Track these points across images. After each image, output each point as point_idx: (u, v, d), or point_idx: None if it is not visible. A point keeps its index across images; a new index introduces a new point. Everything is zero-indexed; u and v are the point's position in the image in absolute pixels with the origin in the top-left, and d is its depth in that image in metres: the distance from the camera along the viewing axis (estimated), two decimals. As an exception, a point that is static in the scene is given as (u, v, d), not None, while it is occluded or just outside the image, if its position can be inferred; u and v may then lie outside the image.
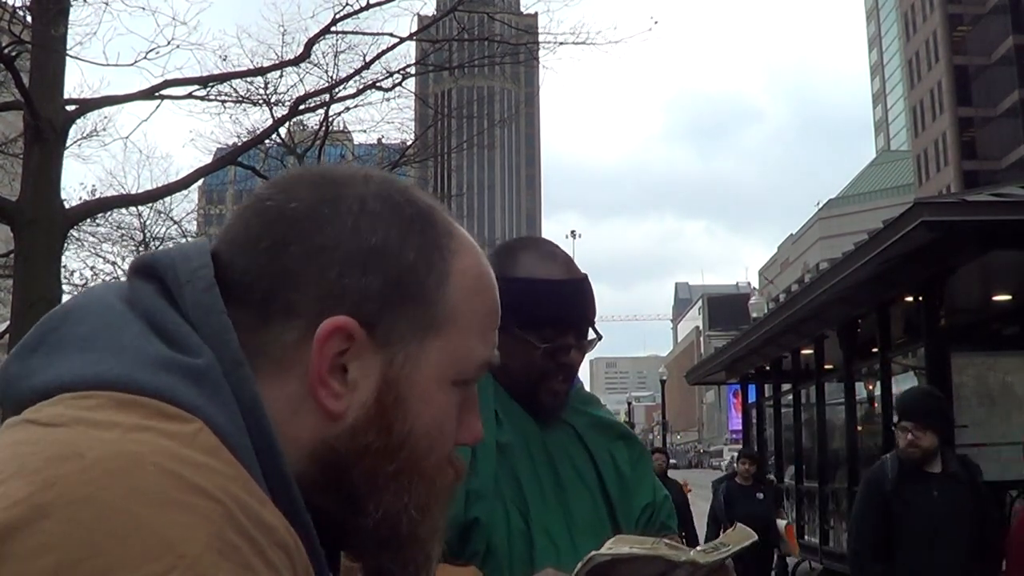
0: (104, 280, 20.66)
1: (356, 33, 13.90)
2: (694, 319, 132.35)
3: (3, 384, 0.68)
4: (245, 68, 13.32)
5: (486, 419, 1.63)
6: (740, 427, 25.68)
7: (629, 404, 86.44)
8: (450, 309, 0.73)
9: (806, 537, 12.91)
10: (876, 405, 11.28)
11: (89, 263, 20.76)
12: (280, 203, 0.72)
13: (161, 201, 18.31)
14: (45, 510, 0.55)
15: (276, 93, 14.22)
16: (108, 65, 17.38)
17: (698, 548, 1.38)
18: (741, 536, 1.44)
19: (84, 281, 20.10)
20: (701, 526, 9.86)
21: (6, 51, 10.18)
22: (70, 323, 0.68)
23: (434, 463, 0.74)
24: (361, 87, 14.21)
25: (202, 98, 12.92)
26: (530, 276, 1.74)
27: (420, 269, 0.72)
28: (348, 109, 16.26)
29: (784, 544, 9.26)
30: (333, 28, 13.18)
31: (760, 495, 9.22)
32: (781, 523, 9.31)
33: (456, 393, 0.75)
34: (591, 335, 1.82)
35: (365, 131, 21.50)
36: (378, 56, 13.59)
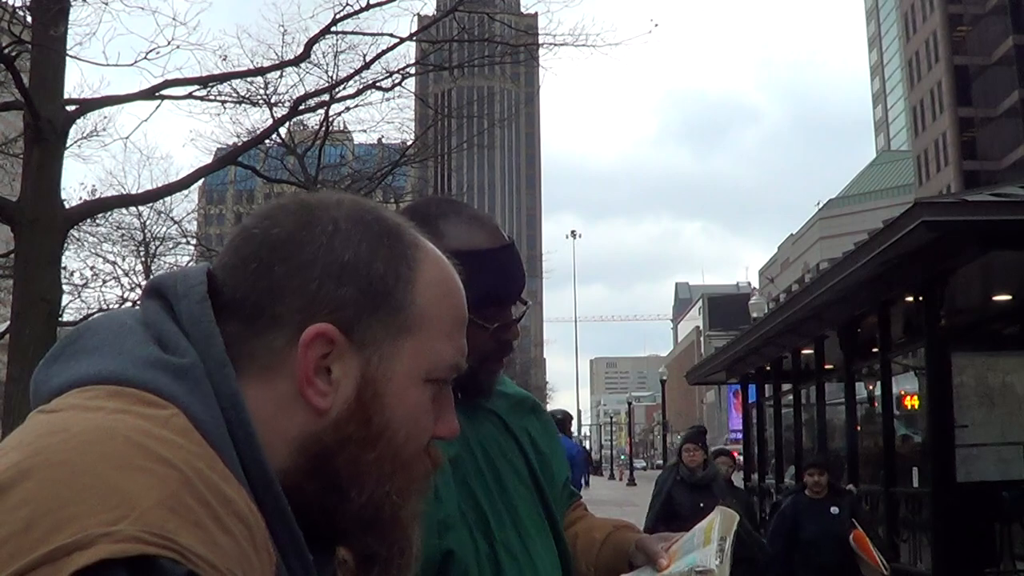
0: (104, 280, 20.68)
1: (356, 33, 13.91)
2: (694, 319, 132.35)
3: (33, 390, 0.80)
4: (245, 68, 13.33)
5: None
6: (740, 427, 25.68)
7: (629, 404, 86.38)
8: (418, 314, 0.83)
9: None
10: (876, 405, 11.28)
11: (89, 263, 20.77)
12: (264, 230, 0.83)
13: (161, 201, 18.35)
14: (28, 473, 0.65)
15: (276, 93, 14.24)
16: (108, 65, 17.42)
17: (714, 549, 1.43)
18: (730, 521, 1.48)
19: (84, 281, 20.11)
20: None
21: (6, 51, 10.17)
22: (84, 338, 0.80)
23: (411, 452, 0.83)
24: (361, 87, 14.22)
25: (202, 98, 12.91)
26: (464, 248, 1.46)
27: (389, 279, 0.82)
28: (348, 109, 16.27)
29: (865, 566, 6.95)
30: (333, 28, 13.17)
31: (835, 509, 7.34)
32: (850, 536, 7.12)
33: (429, 390, 0.84)
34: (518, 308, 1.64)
35: (365, 131, 21.50)
36: (378, 56, 13.60)
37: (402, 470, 0.82)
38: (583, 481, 11.40)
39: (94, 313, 20.48)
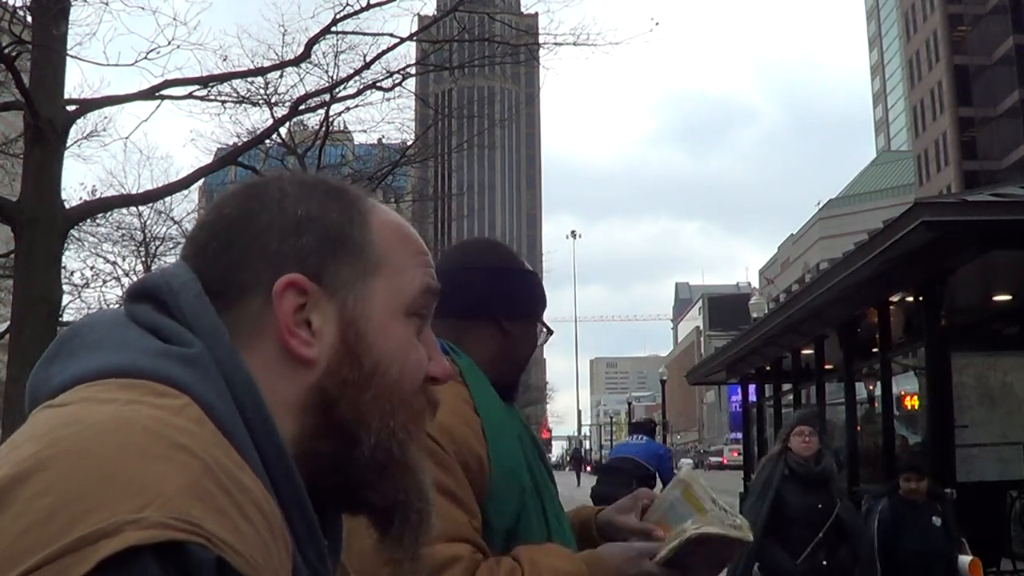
0: (104, 280, 20.68)
1: (356, 33, 13.91)
2: (694, 319, 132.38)
3: (30, 392, 0.79)
4: (245, 68, 13.33)
5: (509, 415, 1.71)
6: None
7: (629, 404, 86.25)
8: (380, 252, 0.86)
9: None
10: (876, 405, 11.28)
11: (89, 263, 20.73)
12: (217, 214, 0.86)
13: (161, 201, 18.36)
14: (46, 463, 0.65)
15: (276, 93, 14.24)
16: (108, 65, 17.42)
17: (734, 523, 1.50)
18: (699, 481, 1.58)
19: (84, 281, 20.10)
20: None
21: (6, 51, 10.17)
22: (82, 335, 0.80)
23: (408, 388, 0.85)
24: (361, 87, 14.23)
25: (202, 98, 12.92)
26: (528, 269, 1.82)
27: (344, 223, 0.85)
28: (348, 109, 16.28)
29: None
30: (333, 28, 13.18)
31: (937, 520, 6.08)
32: (964, 559, 6.03)
33: (411, 324, 0.87)
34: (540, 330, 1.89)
35: (365, 131, 21.49)
36: (378, 56, 13.61)
37: (402, 406, 0.84)
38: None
39: (94, 313, 20.42)
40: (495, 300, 1.74)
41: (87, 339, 0.79)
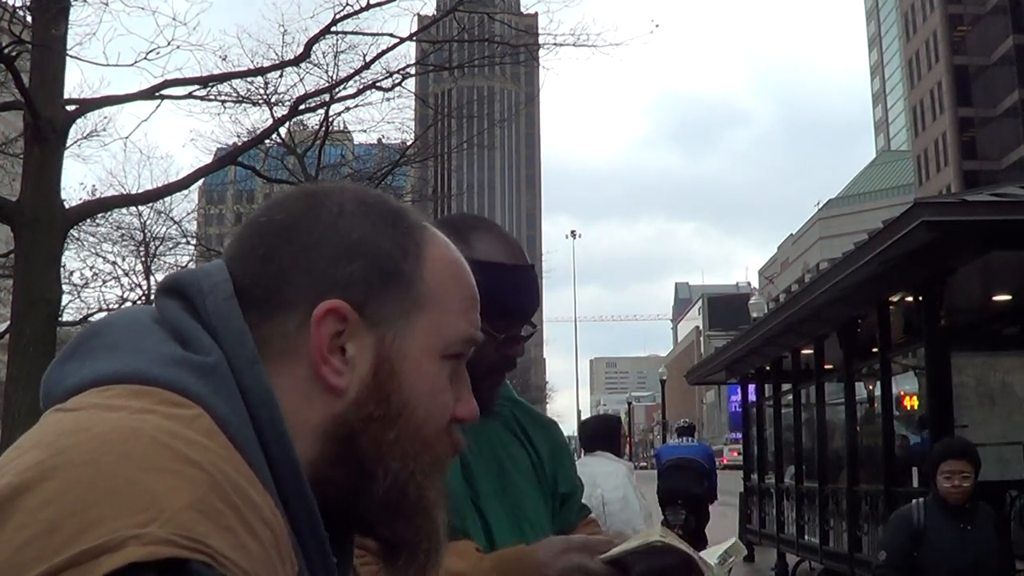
0: (104, 280, 20.68)
1: (356, 33, 13.92)
2: (694, 319, 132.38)
3: (45, 389, 0.78)
4: (245, 68, 13.34)
5: None
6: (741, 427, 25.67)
7: (629, 404, 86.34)
8: (429, 290, 0.83)
9: (806, 537, 12.91)
10: (876, 405, 11.28)
11: (89, 263, 20.76)
12: (270, 217, 0.83)
13: (161, 201, 18.33)
14: (50, 472, 0.64)
15: (276, 93, 14.25)
16: (108, 65, 17.41)
17: (715, 562, 1.38)
18: (738, 548, 1.44)
19: (84, 281, 20.11)
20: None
21: (6, 51, 10.18)
22: (101, 335, 0.78)
23: (432, 431, 0.82)
24: (361, 87, 14.24)
25: (202, 98, 12.93)
26: (488, 260, 1.58)
27: (396, 255, 0.82)
28: (348, 109, 16.29)
29: None
30: (333, 28, 13.18)
31: (967, 527, 4.87)
32: None
33: (446, 367, 0.84)
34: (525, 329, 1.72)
35: (365, 131, 21.50)
36: (378, 56, 13.62)
37: (424, 450, 0.81)
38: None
39: (94, 313, 20.50)
40: None
41: (106, 340, 0.77)
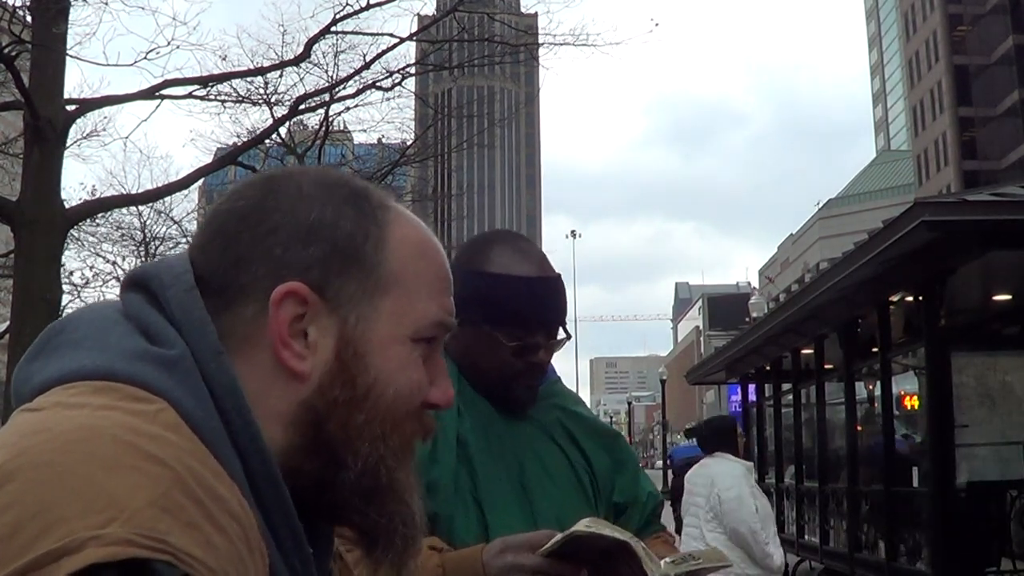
0: (104, 280, 20.69)
1: (356, 33, 13.91)
2: (694, 319, 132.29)
3: (13, 389, 0.77)
4: (245, 68, 13.33)
5: (448, 411, 1.60)
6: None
7: (629, 404, 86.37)
8: (394, 272, 0.81)
9: (806, 537, 12.92)
10: (876, 405, 11.28)
11: (89, 263, 20.76)
12: (230, 205, 0.82)
13: (161, 201, 18.33)
14: (12, 475, 0.63)
15: (276, 93, 14.23)
16: (108, 65, 17.42)
17: (667, 559, 1.38)
18: (714, 556, 1.43)
19: (84, 281, 20.09)
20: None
21: (6, 51, 10.17)
22: (66, 331, 0.78)
23: (402, 413, 0.81)
24: (361, 87, 14.22)
25: (202, 98, 12.92)
26: (502, 272, 1.68)
27: (357, 236, 0.80)
28: (348, 109, 16.29)
29: None
30: (333, 28, 13.18)
31: None
32: None
33: (417, 349, 0.82)
34: (560, 334, 1.76)
35: (365, 131, 21.48)
36: (378, 56, 13.61)
37: (393, 431, 0.80)
38: None
39: (94, 313, 20.45)
40: None
41: (70, 336, 0.77)
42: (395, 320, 0.81)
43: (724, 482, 5.72)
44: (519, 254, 1.73)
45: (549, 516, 1.68)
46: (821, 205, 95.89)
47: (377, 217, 0.82)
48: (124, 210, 19.48)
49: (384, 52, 13.62)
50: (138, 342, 0.74)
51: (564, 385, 1.93)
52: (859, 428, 11.61)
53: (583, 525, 1.34)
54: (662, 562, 1.35)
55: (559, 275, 1.77)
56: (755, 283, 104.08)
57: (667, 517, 12.94)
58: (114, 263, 20.95)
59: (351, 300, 0.79)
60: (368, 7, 12.97)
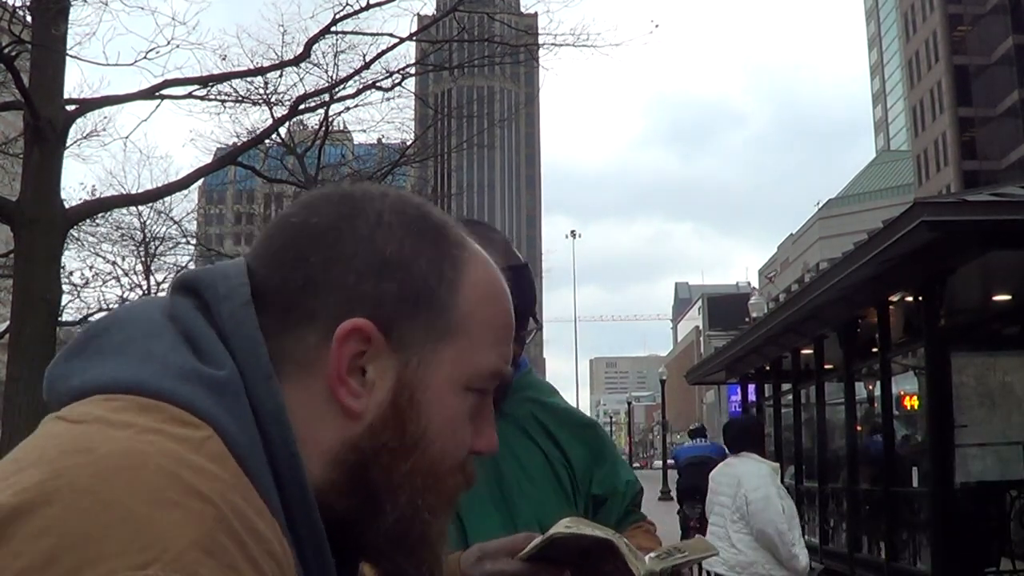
0: (104, 280, 20.68)
1: (356, 33, 13.92)
2: (694, 319, 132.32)
3: (48, 384, 0.74)
4: (245, 68, 13.34)
5: None
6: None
7: (629, 404, 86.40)
8: (461, 317, 0.78)
9: (806, 537, 12.91)
10: (876, 405, 11.28)
11: (89, 263, 20.76)
12: (303, 219, 0.78)
13: (161, 201, 18.34)
14: (51, 497, 0.60)
15: (276, 93, 14.24)
16: (108, 65, 17.34)
17: (652, 555, 1.36)
18: (700, 546, 1.42)
19: (84, 281, 20.10)
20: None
21: (6, 51, 10.17)
22: (111, 332, 0.74)
23: (447, 466, 0.78)
24: (361, 87, 14.23)
25: (202, 98, 12.91)
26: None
27: (432, 278, 0.77)
28: (348, 109, 16.31)
29: None
30: (333, 28, 13.18)
31: None
32: None
33: (469, 399, 0.79)
34: (530, 324, 1.71)
35: (365, 131, 21.54)
36: (378, 56, 13.61)
37: (436, 485, 0.77)
38: None
39: (94, 313, 20.49)
40: None
41: (114, 339, 0.73)
42: (455, 368, 0.77)
43: (751, 482, 5.71)
44: (483, 242, 1.72)
45: (529, 517, 1.65)
46: (821, 205, 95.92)
47: (453, 256, 0.79)
48: (124, 210, 19.49)
49: (384, 52, 13.63)
50: (186, 358, 0.71)
51: (536, 376, 1.90)
52: (858, 428, 11.62)
53: (563, 526, 1.31)
54: (647, 558, 1.34)
55: (526, 263, 1.72)
56: (755, 283, 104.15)
57: (671, 516, 12.97)
58: (114, 263, 20.98)
59: (415, 343, 0.76)
60: (368, 7, 12.97)
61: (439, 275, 0.77)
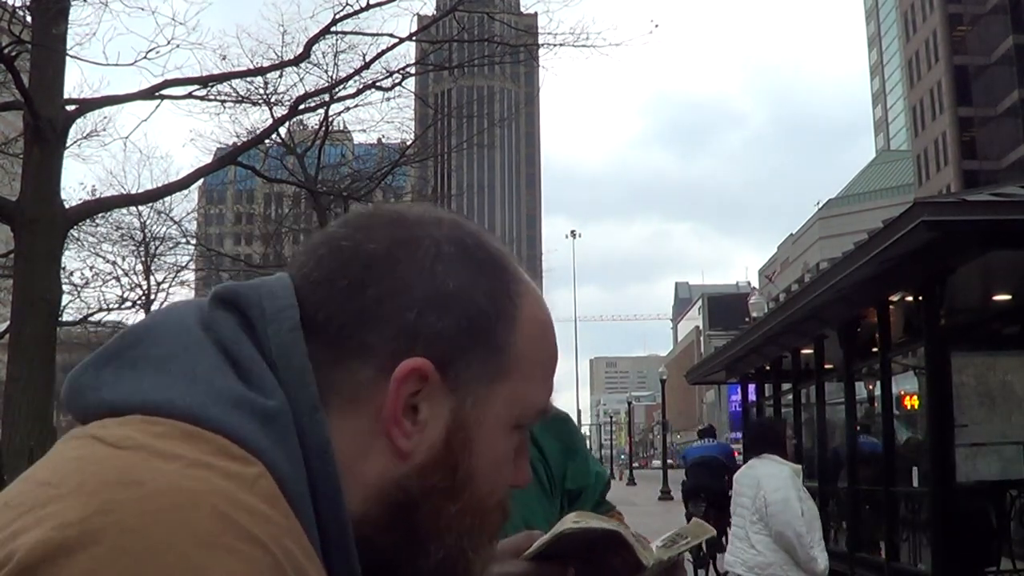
0: (104, 280, 20.68)
1: (356, 33, 13.94)
2: (694, 319, 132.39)
3: (72, 391, 0.69)
4: (245, 68, 13.36)
5: None
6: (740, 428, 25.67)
7: (629, 404, 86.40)
8: (517, 355, 0.75)
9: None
10: (876, 405, 11.28)
11: (89, 263, 20.77)
12: (356, 243, 0.74)
13: (161, 201, 18.37)
14: (97, 536, 0.56)
15: (276, 93, 14.27)
16: (108, 65, 17.37)
17: (657, 543, 1.36)
18: (699, 530, 1.43)
19: (84, 281, 20.11)
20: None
21: (6, 51, 10.18)
22: (147, 342, 0.69)
23: (492, 504, 0.76)
24: (361, 87, 14.25)
25: (202, 98, 12.93)
26: None
27: (491, 314, 0.74)
28: (348, 109, 16.35)
29: None
30: (333, 28, 13.19)
31: None
32: None
33: (516, 436, 0.77)
34: None
35: (365, 131, 21.56)
36: (378, 56, 13.64)
37: (481, 524, 0.75)
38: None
39: (94, 313, 20.50)
40: None
41: (151, 351, 0.68)
42: (506, 407, 0.75)
43: (770, 484, 5.71)
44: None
45: (516, 519, 1.66)
46: (821, 205, 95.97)
47: (511, 291, 0.76)
48: (124, 210, 19.51)
49: (384, 52, 13.66)
50: (232, 383, 0.67)
51: None
52: (859, 428, 11.62)
53: (571, 521, 1.31)
54: (653, 546, 1.34)
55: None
56: (755, 283, 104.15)
57: (671, 516, 13.02)
58: (114, 263, 20.99)
59: (471, 381, 0.73)
60: (368, 7, 12.98)
61: (498, 312, 0.74)
